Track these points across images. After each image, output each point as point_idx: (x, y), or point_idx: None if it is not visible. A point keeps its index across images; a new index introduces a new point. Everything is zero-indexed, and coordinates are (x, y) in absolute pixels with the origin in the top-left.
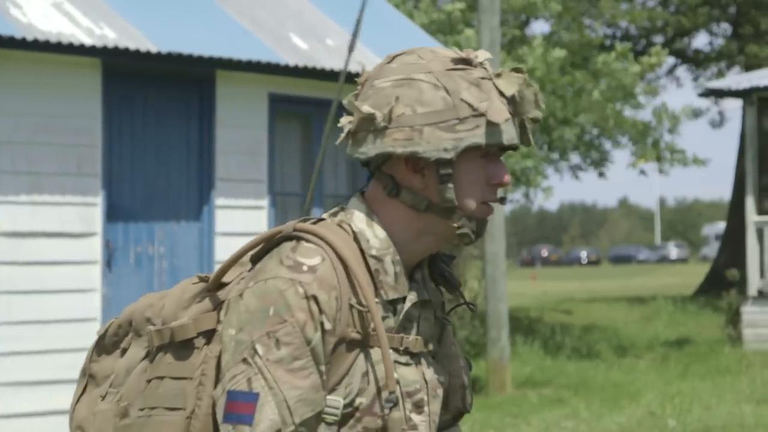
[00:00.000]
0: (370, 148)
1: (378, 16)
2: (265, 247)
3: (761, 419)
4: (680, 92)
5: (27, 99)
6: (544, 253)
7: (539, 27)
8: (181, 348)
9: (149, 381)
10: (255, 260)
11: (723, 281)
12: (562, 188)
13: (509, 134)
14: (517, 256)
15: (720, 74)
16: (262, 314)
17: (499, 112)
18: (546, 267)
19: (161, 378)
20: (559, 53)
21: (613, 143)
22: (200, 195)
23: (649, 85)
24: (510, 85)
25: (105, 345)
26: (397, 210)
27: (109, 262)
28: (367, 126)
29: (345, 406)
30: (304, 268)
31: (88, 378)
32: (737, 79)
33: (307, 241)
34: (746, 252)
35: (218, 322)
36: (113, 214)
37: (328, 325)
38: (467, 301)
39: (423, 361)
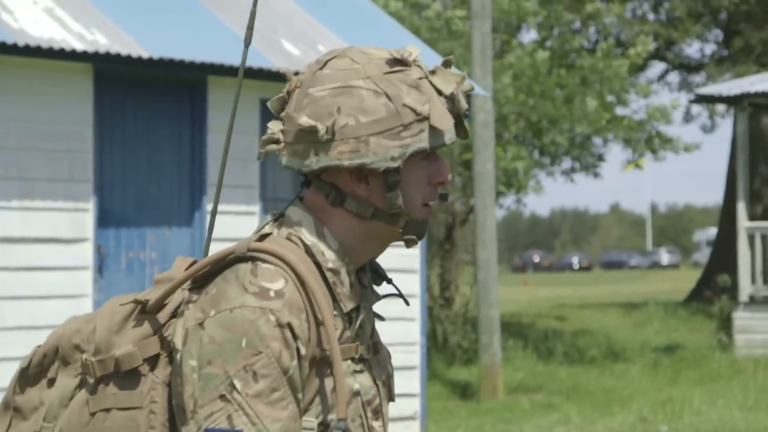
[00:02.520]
0: (313, 162)
1: (368, 20)
2: (213, 269)
3: (752, 425)
4: (672, 98)
5: (18, 104)
6: (536, 258)
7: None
8: (126, 377)
9: (93, 414)
10: (197, 281)
11: (714, 287)
12: (554, 194)
13: (450, 133)
14: (508, 262)
15: (711, 78)
16: (233, 346)
17: (443, 118)
18: (538, 273)
19: (107, 410)
20: (543, 55)
21: (604, 142)
22: (192, 200)
23: (639, 85)
24: (447, 83)
25: (29, 376)
26: (341, 218)
27: (100, 268)
28: (307, 138)
29: (318, 425)
30: (271, 294)
31: (13, 412)
32: (728, 85)
33: (264, 261)
34: (737, 258)
35: (162, 346)
36: (105, 219)
37: (303, 350)
38: (401, 295)
39: (371, 364)
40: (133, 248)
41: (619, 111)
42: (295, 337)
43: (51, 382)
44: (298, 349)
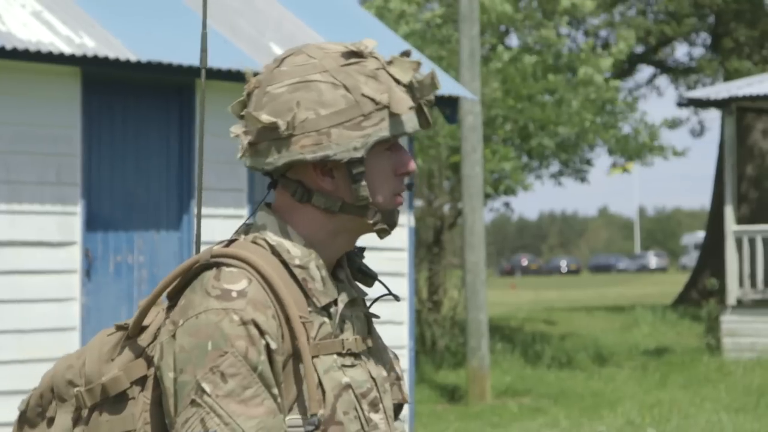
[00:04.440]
0: (276, 159)
1: (357, 23)
2: (183, 281)
3: (740, 428)
4: (660, 102)
5: (6, 108)
6: (524, 262)
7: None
8: (116, 402)
9: None
10: (172, 296)
11: (702, 290)
12: (542, 197)
13: (412, 122)
14: (496, 266)
15: (700, 82)
16: (200, 351)
17: (402, 102)
18: (526, 276)
19: None
20: (530, 59)
21: (591, 147)
22: (180, 204)
23: (628, 97)
24: (404, 72)
25: (29, 418)
26: (309, 214)
27: (88, 272)
28: (269, 135)
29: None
30: (233, 294)
31: None
32: (716, 88)
33: (228, 265)
34: (725, 261)
35: (148, 367)
36: (92, 223)
37: (273, 345)
38: (391, 292)
39: (364, 358)
40: (121, 252)
41: (607, 116)
42: (261, 332)
43: (50, 422)
44: (267, 344)
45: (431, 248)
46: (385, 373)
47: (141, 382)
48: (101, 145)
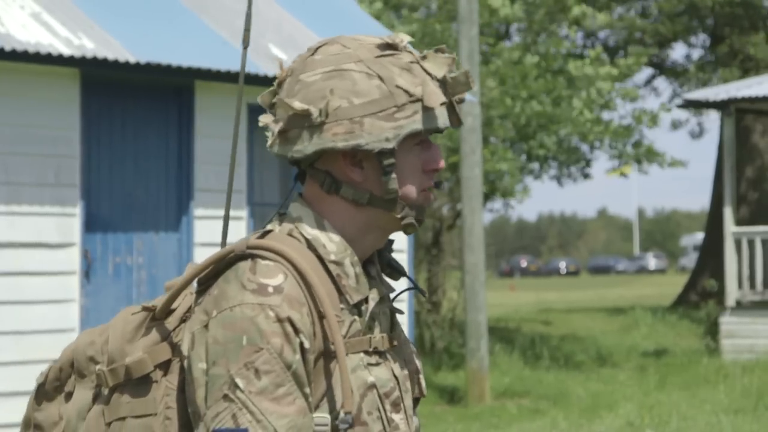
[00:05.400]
0: (306, 146)
1: (356, 24)
2: (216, 269)
3: (739, 429)
4: (658, 102)
5: (5, 109)
6: (523, 263)
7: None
8: (138, 384)
9: (109, 424)
10: (203, 283)
11: (701, 292)
12: (541, 198)
13: (443, 118)
14: (496, 267)
15: (699, 83)
16: (234, 345)
17: (435, 96)
18: (525, 277)
19: (123, 419)
20: (531, 60)
21: (590, 148)
22: (179, 205)
23: (626, 90)
24: (438, 67)
25: (47, 391)
26: (338, 207)
27: (87, 273)
28: (301, 123)
29: (333, 420)
30: (270, 289)
31: (33, 428)
32: (715, 90)
33: (264, 258)
34: (724, 262)
35: (173, 351)
36: (91, 224)
37: (307, 344)
38: (417, 287)
39: (389, 357)
40: (120, 253)
41: (606, 115)
42: (296, 331)
43: (68, 396)
44: (301, 343)
45: (430, 249)
46: (406, 372)
47: (164, 366)
48: (100, 147)
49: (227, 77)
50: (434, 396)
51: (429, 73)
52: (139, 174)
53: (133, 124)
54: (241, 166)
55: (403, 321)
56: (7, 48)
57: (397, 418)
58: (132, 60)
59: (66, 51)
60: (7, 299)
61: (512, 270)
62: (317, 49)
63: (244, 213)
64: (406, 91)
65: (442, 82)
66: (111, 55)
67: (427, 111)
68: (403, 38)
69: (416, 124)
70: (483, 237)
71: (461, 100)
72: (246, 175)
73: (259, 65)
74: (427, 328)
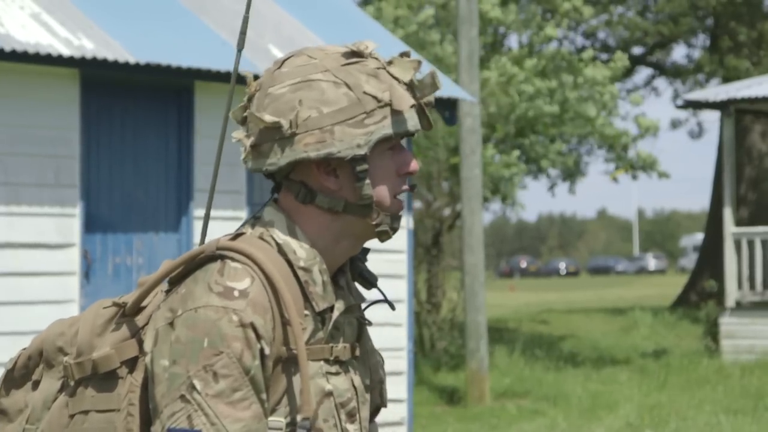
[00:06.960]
0: (279, 158)
1: (356, 26)
2: (186, 269)
3: (738, 430)
4: (659, 103)
5: (4, 109)
6: (523, 264)
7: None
8: (104, 379)
9: (72, 416)
10: (173, 282)
11: (701, 292)
12: (541, 199)
13: (413, 121)
14: (495, 267)
15: (699, 84)
16: (195, 346)
17: (403, 99)
18: (525, 278)
19: (86, 412)
20: (531, 62)
21: (588, 151)
22: (179, 206)
23: (631, 93)
24: (405, 71)
25: (14, 378)
26: (313, 216)
27: (87, 273)
28: (272, 135)
29: (287, 425)
30: (236, 293)
31: None
32: (715, 90)
33: (233, 260)
34: (724, 263)
35: (140, 349)
36: (91, 224)
37: (267, 350)
38: (387, 299)
39: (350, 368)
40: (119, 254)
41: (605, 115)
42: (258, 336)
43: (35, 385)
44: (261, 349)
45: (430, 250)
46: (367, 382)
47: (131, 363)
48: (100, 147)
49: (227, 78)
50: (434, 396)
51: (396, 78)
52: (138, 174)
53: (132, 125)
54: (240, 167)
55: (403, 321)
56: (7, 48)
57: (351, 428)
58: (132, 60)
59: (65, 51)
60: (7, 300)
61: (512, 270)
62: (284, 62)
63: (244, 213)
64: (374, 97)
65: (410, 86)
66: (111, 56)
67: (396, 115)
68: (369, 45)
69: (386, 128)
70: (483, 237)
71: (429, 103)
72: (246, 176)
73: (259, 67)
74: (427, 329)
